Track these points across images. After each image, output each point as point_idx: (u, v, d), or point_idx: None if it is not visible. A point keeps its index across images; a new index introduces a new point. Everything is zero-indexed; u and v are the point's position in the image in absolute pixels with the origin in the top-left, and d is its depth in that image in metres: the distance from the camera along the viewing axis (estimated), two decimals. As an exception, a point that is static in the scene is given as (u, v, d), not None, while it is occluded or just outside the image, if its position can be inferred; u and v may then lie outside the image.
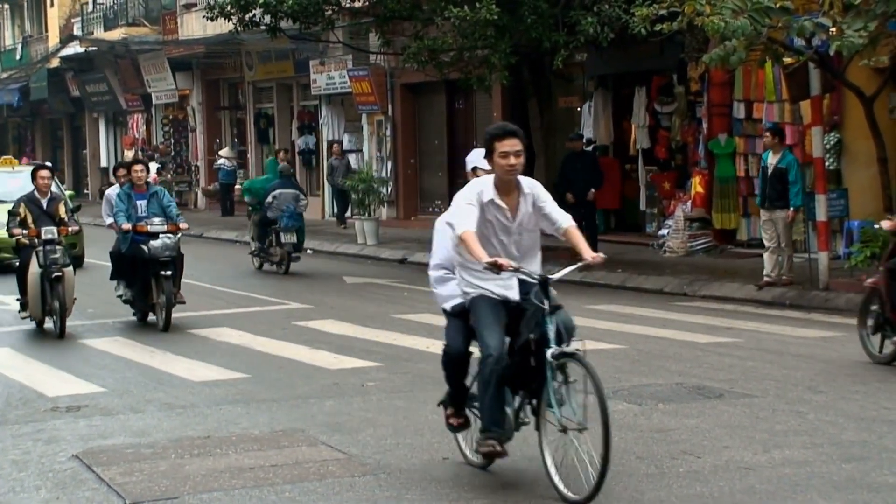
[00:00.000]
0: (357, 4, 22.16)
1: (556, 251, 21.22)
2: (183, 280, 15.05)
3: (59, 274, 13.98)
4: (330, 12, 21.57)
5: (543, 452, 7.30)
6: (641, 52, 20.48)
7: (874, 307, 11.24)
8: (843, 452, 8.02)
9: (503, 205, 7.34)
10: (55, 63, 43.86)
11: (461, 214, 7.26)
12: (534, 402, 7.37)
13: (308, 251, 25.27)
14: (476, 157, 8.03)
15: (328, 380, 11.14)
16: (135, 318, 15.13)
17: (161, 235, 14.49)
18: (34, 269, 14.13)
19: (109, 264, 15.72)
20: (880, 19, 14.14)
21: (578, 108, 24.46)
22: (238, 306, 16.70)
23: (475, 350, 7.51)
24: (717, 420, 9.05)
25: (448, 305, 7.69)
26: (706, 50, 17.10)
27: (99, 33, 40.81)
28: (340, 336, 13.78)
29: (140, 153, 40.72)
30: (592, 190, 20.28)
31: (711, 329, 13.59)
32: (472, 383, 7.65)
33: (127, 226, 14.66)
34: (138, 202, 14.84)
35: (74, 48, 41.80)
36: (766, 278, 16.21)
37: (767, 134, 16.54)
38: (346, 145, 30.83)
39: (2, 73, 49.58)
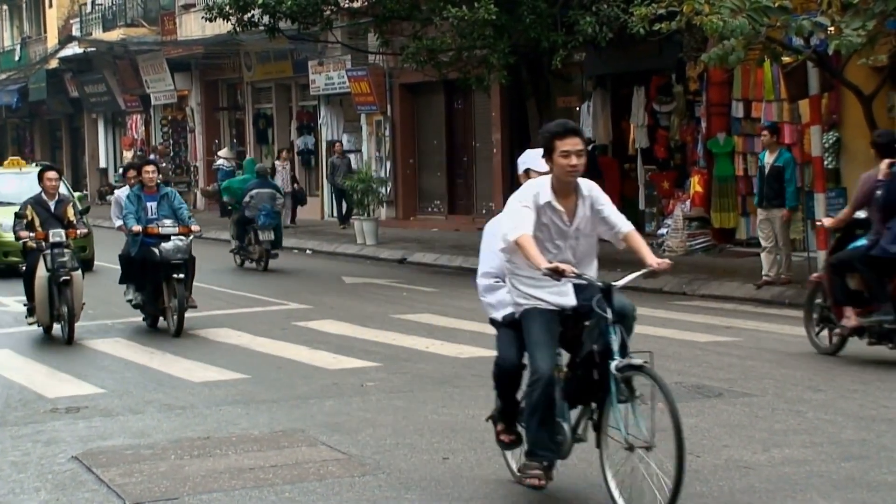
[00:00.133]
0: (356, 4, 22.17)
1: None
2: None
3: (68, 278, 13.59)
4: (328, 12, 21.57)
5: (605, 471, 6.92)
6: (640, 51, 20.49)
7: (818, 301, 11.70)
8: (842, 451, 8.03)
9: (561, 208, 6.90)
10: (54, 64, 43.87)
11: (517, 218, 6.82)
12: (595, 417, 6.99)
13: (307, 251, 25.32)
14: (529, 158, 7.42)
15: (328, 380, 11.14)
16: (141, 322, 14.83)
17: (173, 238, 14.13)
18: (42, 273, 13.77)
19: (118, 268, 15.41)
20: (879, 18, 14.13)
21: (577, 108, 24.47)
22: (237, 307, 16.70)
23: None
24: (716, 419, 9.05)
25: (498, 315, 7.27)
26: (705, 49, 17.11)
27: (97, 34, 40.81)
28: (340, 336, 13.78)
29: (139, 153, 40.77)
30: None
31: (710, 328, 13.59)
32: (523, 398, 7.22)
33: (137, 228, 14.30)
34: (148, 204, 14.49)
35: (73, 49, 41.81)
36: (764, 277, 16.21)
37: (765, 132, 16.54)
38: (345, 145, 30.84)
39: (0, 74, 49.55)
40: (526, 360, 7.06)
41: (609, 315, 6.72)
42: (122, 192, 15.43)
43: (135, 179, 15.18)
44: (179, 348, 13.26)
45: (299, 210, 30.50)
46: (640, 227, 23.05)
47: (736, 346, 12.32)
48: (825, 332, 11.71)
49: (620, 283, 6.95)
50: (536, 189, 6.91)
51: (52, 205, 14.21)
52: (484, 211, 27.69)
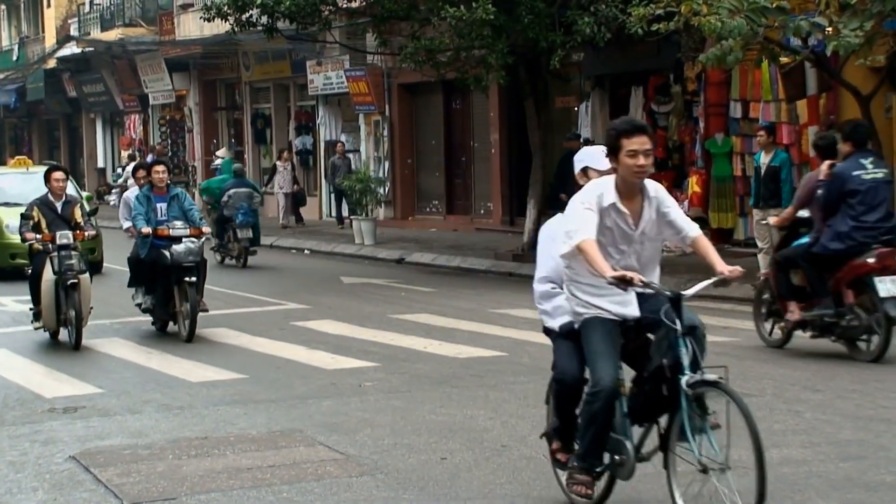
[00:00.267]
0: (354, 4, 22.16)
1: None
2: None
3: (75, 281, 13.16)
4: (327, 12, 21.56)
5: (673, 493, 6.56)
6: (638, 51, 20.48)
7: (766, 296, 12.29)
8: (840, 451, 8.03)
9: (625, 210, 6.52)
10: (52, 64, 43.85)
11: (579, 220, 6.42)
12: (663, 435, 6.58)
13: (305, 251, 25.32)
14: (588, 157, 7.02)
15: (326, 380, 11.14)
16: (139, 322, 14.65)
17: (184, 240, 13.75)
18: (48, 276, 13.37)
19: (126, 270, 14.99)
20: (876, 19, 14.14)
21: (575, 108, 24.47)
22: (235, 306, 16.69)
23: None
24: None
25: (556, 324, 6.83)
26: (703, 49, 17.10)
27: (96, 34, 40.79)
28: (338, 336, 13.78)
29: (137, 154, 40.76)
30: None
31: (708, 328, 13.46)
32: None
33: (147, 230, 13.90)
34: (158, 205, 14.10)
35: (71, 49, 41.80)
36: (762, 278, 16.19)
37: (762, 133, 16.54)
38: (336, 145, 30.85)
39: (-1, 74, 49.59)
40: (587, 374, 6.65)
41: (678, 327, 6.38)
42: (130, 193, 15.02)
43: (144, 180, 14.81)
44: (177, 348, 13.26)
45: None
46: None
47: (734, 347, 12.31)
48: (773, 327, 12.25)
49: (690, 291, 6.63)
50: (600, 190, 6.52)
51: (58, 206, 13.84)
52: (482, 211, 27.71)
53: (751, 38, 14.21)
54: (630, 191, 6.54)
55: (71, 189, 17.01)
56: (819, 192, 11.48)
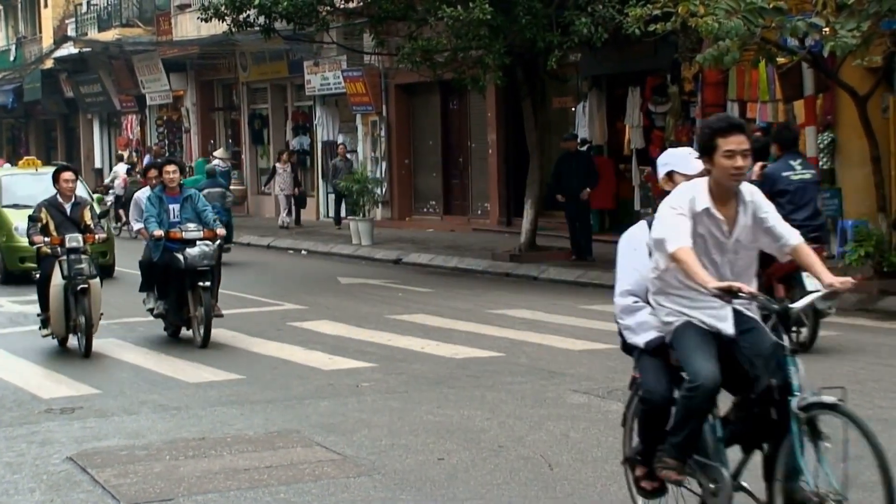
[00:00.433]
0: (351, 5, 22.17)
1: (551, 251, 21.33)
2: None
3: (85, 286, 12.67)
4: (324, 13, 21.57)
5: None
6: (635, 52, 20.50)
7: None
8: (838, 451, 8.01)
9: (720, 216, 6.01)
10: (49, 64, 43.84)
11: (672, 227, 5.92)
12: (766, 463, 6.01)
13: (302, 252, 25.32)
14: (675, 159, 6.56)
15: (323, 381, 11.14)
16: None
17: (198, 243, 13.27)
18: (57, 280, 12.84)
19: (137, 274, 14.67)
20: (873, 19, 14.15)
21: (573, 109, 24.49)
22: (233, 307, 16.66)
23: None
24: (711, 420, 9.04)
25: (642, 340, 6.30)
26: (700, 50, 17.10)
27: (93, 34, 40.78)
28: (335, 337, 13.78)
29: (135, 154, 40.74)
30: (587, 189, 20.32)
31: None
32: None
33: (159, 232, 13.39)
34: (171, 206, 13.61)
35: (68, 49, 41.78)
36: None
37: (758, 134, 16.54)
38: (337, 146, 30.84)
39: (-4, 75, 49.58)
40: (677, 394, 6.15)
41: (787, 343, 5.82)
42: (142, 194, 14.42)
43: (156, 180, 14.24)
44: (174, 349, 13.25)
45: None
46: (635, 228, 23.21)
47: (731, 347, 12.31)
48: None
49: (799, 305, 6.09)
50: (692, 193, 6.01)
51: (67, 207, 13.34)
52: (479, 211, 27.72)
53: (748, 39, 14.22)
54: (725, 195, 6.04)
55: (81, 190, 16.53)
56: None
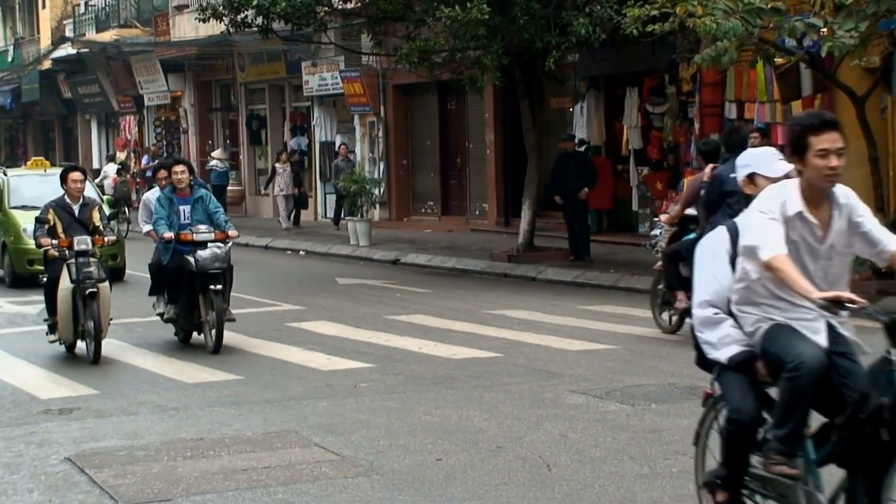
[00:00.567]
0: (349, 5, 22.17)
1: (549, 252, 21.33)
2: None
3: (94, 290, 12.26)
4: (322, 13, 21.57)
5: None
6: (633, 52, 20.50)
7: (660, 287, 13.40)
8: (835, 452, 8.02)
9: (814, 220, 5.62)
10: (47, 65, 43.82)
11: (764, 234, 5.52)
12: (869, 488, 5.55)
13: (301, 252, 25.32)
14: (757, 160, 6.21)
15: (321, 381, 11.14)
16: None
17: (210, 245, 12.83)
18: (65, 284, 12.42)
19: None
20: (871, 19, 14.16)
21: (570, 109, 24.49)
22: (231, 307, 16.65)
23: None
24: (709, 420, 9.05)
25: (724, 356, 5.81)
26: (698, 50, 17.11)
27: (91, 35, 40.77)
28: (333, 337, 13.77)
29: (133, 154, 40.74)
30: (585, 189, 20.32)
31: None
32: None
33: (169, 234, 12.96)
34: (181, 207, 13.15)
35: (66, 50, 41.77)
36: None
37: (755, 134, 16.54)
38: (338, 146, 30.81)
39: (-6, 75, 49.56)
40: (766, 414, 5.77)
41: (895, 357, 5.30)
42: (151, 195, 14.08)
43: (165, 181, 13.75)
44: (173, 349, 13.24)
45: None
46: (633, 228, 23.25)
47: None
48: (667, 315, 13.35)
49: None
50: (783, 196, 5.63)
51: (76, 208, 12.88)
52: (477, 212, 27.72)
53: (746, 39, 14.22)
54: (817, 197, 5.65)
55: (90, 191, 16.16)
56: (702, 192, 12.49)
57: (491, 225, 26.51)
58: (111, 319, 12.80)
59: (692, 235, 12.68)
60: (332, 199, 30.39)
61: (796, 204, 5.63)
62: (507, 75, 20.28)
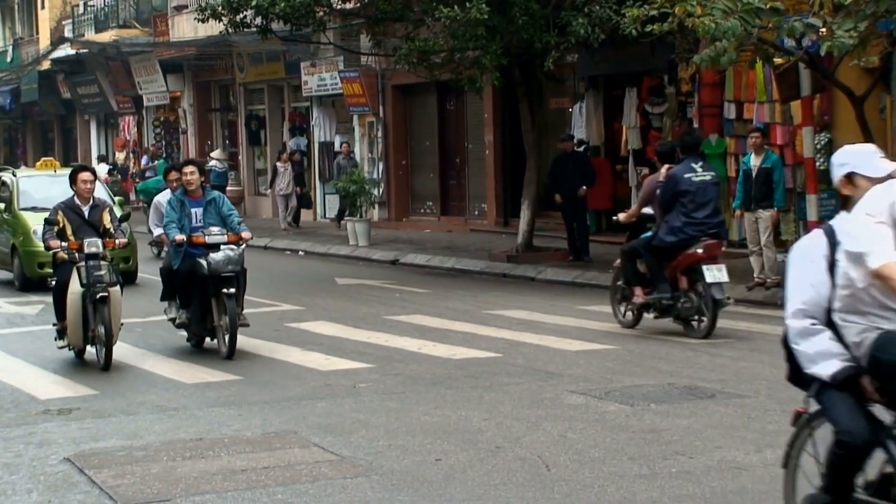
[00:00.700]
0: (348, 6, 22.17)
1: (548, 252, 21.33)
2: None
3: (105, 294, 11.88)
4: (321, 14, 21.57)
5: None
6: (632, 52, 20.50)
7: (619, 283, 13.83)
8: (834, 452, 8.02)
9: None
10: (46, 65, 43.81)
11: (873, 238, 5.18)
12: None
13: (300, 253, 25.32)
14: (855, 158, 5.62)
15: (320, 381, 11.13)
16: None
17: (222, 247, 12.46)
18: (75, 288, 12.02)
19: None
20: (870, 19, 14.16)
21: (570, 109, 24.49)
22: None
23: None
24: (708, 420, 9.06)
25: (825, 372, 5.41)
26: (697, 51, 17.12)
27: (90, 35, 40.77)
28: (332, 337, 13.77)
29: (131, 154, 40.73)
30: (584, 187, 20.34)
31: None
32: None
33: (180, 237, 12.56)
34: (193, 210, 12.75)
35: (65, 50, 41.76)
36: (756, 279, 16.22)
37: (756, 134, 16.55)
38: (337, 146, 30.81)
39: (-7, 76, 49.55)
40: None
41: None
42: (162, 198, 13.71)
43: (176, 182, 13.43)
44: (171, 350, 13.24)
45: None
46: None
47: (728, 347, 12.33)
48: (625, 309, 13.80)
49: None
50: (891, 198, 5.25)
51: (86, 210, 12.49)
52: (476, 212, 27.72)
53: (745, 39, 14.23)
54: None
55: (100, 191, 15.75)
56: (658, 192, 13.15)
57: (490, 225, 26.52)
58: (122, 325, 12.45)
59: (648, 233, 13.37)
60: (330, 199, 30.41)
61: None
62: (506, 75, 20.28)
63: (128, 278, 17.93)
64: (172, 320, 13.22)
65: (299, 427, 9.25)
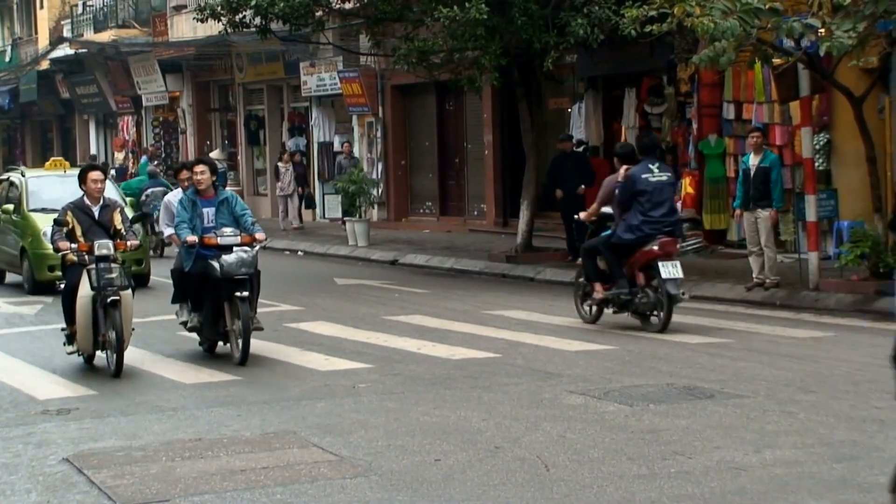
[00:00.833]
0: (347, 6, 22.17)
1: (547, 252, 21.33)
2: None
3: (117, 298, 11.46)
4: (320, 14, 21.57)
5: None
6: (631, 53, 20.51)
7: (581, 280, 14.33)
8: (833, 452, 8.03)
9: None
10: (45, 65, 43.80)
11: None
12: None
13: (299, 253, 25.32)
14: None
15: (319, 382, 11.13)
16: (199, 347, 12.97)
17: (235, 249, 12.04)
18: (85, 291, 11.63)
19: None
20: (869, 20, 14.17)
21: (569, 110, 24.50)
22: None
23: None
24: (707, 421, 9.06)
25: None
26: (696, 51, 17.13)
27: (89, 35, 40.76)
28: (331, 338, 13.77)
29: (130, 154, 40.71)
30: (582, 186, 20.35)
31: (702, 330, 13.61)
32: None
33: (192, 238, 12.15)
34: (205, 210, 12.33)
35: (64, 50, 41.76)
36: (755, 279, 16.22)
37: (757, 134, 16.54)
38: (336, 146, 30.80)
39: (-8, 76, 49.53)
40: None
41: None
42: (173, 197, 13.20)
43: (188, 181, 12.89)
44: (170, 350, 13.23)
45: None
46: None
47: (727, 348, 12.33)
48: (587, 306, 14.24)
49: None
50: None
51: (95, 210, 12.07)
52: (475, 212, 27.72)
53: (744, 40, 14.24)
54: None
55: (111, 191, 15.35)
56: (617, 191, 13.64)
57: (489, 225, 26.52)
58: (133, 329, 12.02)
59: (608, 232, 13.85)
60: (330, 198, 30.41)
61: None
62: (505, 76, 20.29)
63: (140, 281, 17.63)
64: (184, 324, 12.85)
65: (298, 427, 9.25)
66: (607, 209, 13.97)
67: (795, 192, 17.56)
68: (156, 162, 36.68)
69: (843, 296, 15.14)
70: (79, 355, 12.20)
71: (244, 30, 21.86)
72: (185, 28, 34.51)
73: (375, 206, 28.32)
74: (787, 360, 11.51)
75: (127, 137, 41.73)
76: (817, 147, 17.74)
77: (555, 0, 19.40)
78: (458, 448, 8.44)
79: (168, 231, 12.87)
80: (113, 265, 11.64)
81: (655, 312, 13.46)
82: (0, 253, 20.40)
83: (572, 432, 8.80)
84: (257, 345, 13.34)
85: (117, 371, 11.56)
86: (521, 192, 21.52)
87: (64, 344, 12.29)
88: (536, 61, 20.00)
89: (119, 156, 41.59)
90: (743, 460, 7.92)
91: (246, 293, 11.95)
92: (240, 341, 12.00)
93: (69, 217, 11.96)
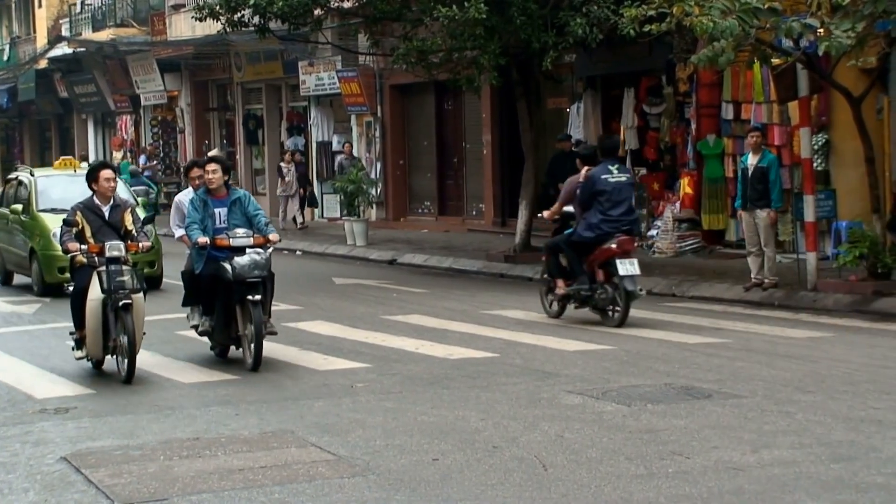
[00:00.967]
0: (346, 5, 22.17)
1: (543, 252, 21.30)
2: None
3: (128, 301, 11.10)
4: (319, 13, 21.57)
5: None
6: (630, 53, 20.51)
7: (546, 276, 14.76)
8: (831, 452, 8.03)
9: None
10: (43, 64, 43.78)
11: None
12: None
13: (297, 252, 25.32)
14: None
15: (317, 381, 11.13)
16: (210, 351, 12.64)
17: (248, 251, 11.66)
18: (95, 294, 11.23)
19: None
20: (868, 20, 14.17)
21: (567, 109, 24.50)
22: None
23: None
24: (705, 420, 9.06)
25: None
26: (695, 51, 17.13)
27: (87, 34, 40.75)
28: (330, 337, 13.77)
29: (129, 154, 40.69)
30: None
31: (700, 330, 13.61)
32: None
33: (203, 239, 11.74)
34: (217, 210, 11.92)
35: (62, 49, 41.75)
36: (754, 280, 16.22)
37: (756, 134, 16.54)
38: (335, 146, 30.79)
39: (-10, 75, 49.51)
40: None
41: None
42: (184, 197, 12.72)
43: (199, 180, 12.38)
44: (168, 349, 13.22)
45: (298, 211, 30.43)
46: (629, 229, 23.17)
47: (725, 348, 12.33)
48: (551, 301, 14.67)
49: None
50: None
51: (106, 210, 11.68)
52: (474, 212, 27.73)
53: (742, 40, 14.24)
54: None
55: (122, 191, 14.92)
56: (578, 191, 14.13)
57: (488, 225, 26.52)
58: (144, 333, 11.64)
59: (570, 230, 14.33)
60: (328, 198, 30.40)
61: None
62: (504, 75, 20.30)
63: (152, 283, 17.28)
64: (195, 327, 12.45)
65: (296, 426, 9.24)
66: (569, 208, 14.47)
67: (794, 192, 17.57)
68: (154, 161, 36.77)
69: (841, 296, 15.15)
70: (88, 361, 11.83)
71: (243, 29, 21.86)
72: (184, 27, 34.50)
73: (374, 206, 28.32)
74: (785, 361, 11.51)
75: (125, 137, 41.72)
76: (816, 147, 17.74)
77: (553, 0, 19.41)
78: (455, 447, 8.44)
79: (179, 232, 12.49)
80: (124, 267, 11.28)
81: (613, 308, 13.95)
82: (8, 254, 20.21)
83: (570, 432, 8.80)
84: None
85: (128, 377, 11.19)
86: (520, 191, 21.53)
87: (72, 349, 11.87)
88: (535, 61, 20.00)
89: (117, 155, 41.55)
90: (740, 460, 7.92)
91: (259, 297, 11.59)
92: (252, 347, 11.62)
93: (79, 217, 11.56)
